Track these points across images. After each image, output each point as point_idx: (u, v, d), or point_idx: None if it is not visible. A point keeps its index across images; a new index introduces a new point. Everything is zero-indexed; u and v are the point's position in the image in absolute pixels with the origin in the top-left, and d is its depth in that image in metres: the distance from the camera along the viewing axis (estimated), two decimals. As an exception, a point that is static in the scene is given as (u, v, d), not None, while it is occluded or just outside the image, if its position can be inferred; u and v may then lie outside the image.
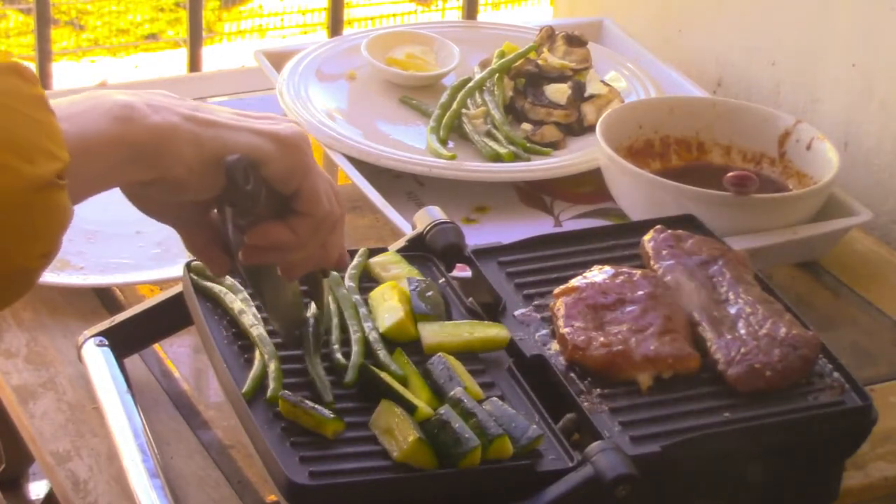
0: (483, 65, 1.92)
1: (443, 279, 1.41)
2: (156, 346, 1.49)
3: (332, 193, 1.16)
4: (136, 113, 1.06)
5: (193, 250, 1.19)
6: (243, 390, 1.22)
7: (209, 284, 1.34)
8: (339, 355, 1.28)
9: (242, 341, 1.29)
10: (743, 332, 1.33)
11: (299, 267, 1.19)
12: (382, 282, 1.37)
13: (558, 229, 1.72)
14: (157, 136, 1.06)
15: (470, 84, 1.88)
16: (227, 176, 1.09)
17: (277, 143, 1.12)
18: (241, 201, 1.12)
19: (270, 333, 1.29)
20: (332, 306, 1.33)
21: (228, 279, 1.34)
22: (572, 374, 1.30)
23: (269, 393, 1.22)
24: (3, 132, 0.95)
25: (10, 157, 0.94)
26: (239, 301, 1.32)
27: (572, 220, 1.76)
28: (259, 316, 1.30)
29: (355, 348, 1.28)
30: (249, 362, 1.27)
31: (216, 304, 1.33)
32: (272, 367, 1.24)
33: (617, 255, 1.45)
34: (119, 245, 1.65)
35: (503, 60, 1.91)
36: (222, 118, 1.11)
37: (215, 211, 1.18)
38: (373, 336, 1.30)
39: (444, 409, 1.20)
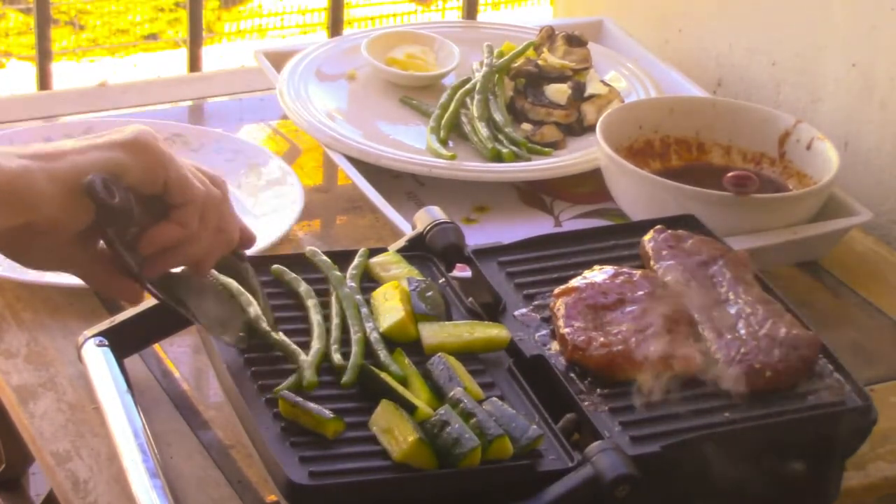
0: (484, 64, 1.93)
1: (443, 279, 1.41)
2: (156, 346, 1.49)
3: (202, 177, 1.17)
4: None
5: (99, 288, 1.20)
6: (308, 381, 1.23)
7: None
8: (338, 355, 1.28)
9: (242, 341, 1.29)
10: (743, 332, 1.33)
11: (206, 260, 1.18)
12: (383, 282, 1.37)
13: (558, 229, 1.72)
14: (12, 179, 1.07)
15: (468, 84, 1.88)
16: (90, 197, 1.09)
17: (125, 149, 1.12)
18: (117, 217, 1.12)
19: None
20: (335, 307, 1.33)
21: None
22: (572, 374, 1.30)
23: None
24: None
25: None
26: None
27: (572, 220, 1.76)
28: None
29: (355, 349, 1.28)
30: (250, 362, 1.27)
31: None
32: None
33: (617, 255, 1.45)
34: (119, 245, 1.65)
35: (502, 60, 1.91)
36: (67, 147, 1.12)
37: (102, 243, 1.17)
38: (374, 336, 1.30)
39: (444, 409, 1.20)
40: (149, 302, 1.44)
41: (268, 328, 1.28)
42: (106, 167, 1.11)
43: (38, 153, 1.10)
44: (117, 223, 1.13)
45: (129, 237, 1.14)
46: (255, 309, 1.28)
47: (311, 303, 1.33)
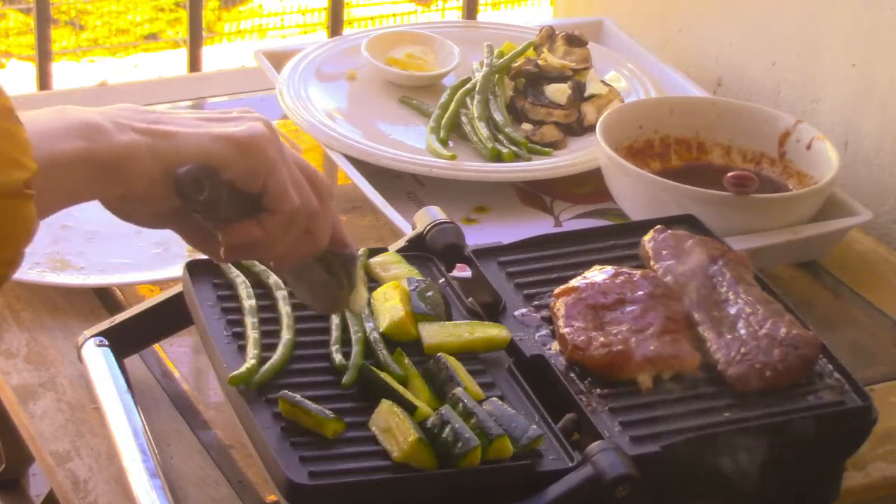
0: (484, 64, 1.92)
1: (443, 279, 1.41)
2: (156, 346, 1.49)
3: (304, 186, 1.15)
4: (101, 132, 1.07)
5: (192, 244, 1.19)
6: (230, 375, 1.23)
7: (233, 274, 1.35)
8: (339, 356, 1.28)
9: (242, 341, 1.29)
10: (743, 332, 1.32)
11: (285, 259, 1.18)
12: (383, 282, 1.37)
13: (558, 229, 1.72)
14: (119, 154, 1.07)
15: (469, 84, 1.88)
16: (176, 189, 1.10)
17: (235, 146, 1.11)
18: (201, 209, 1.12)
19: (265, 334, 1.29)
20: None
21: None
22: (572, 374, 1.30)
23: (257, 377, 1.23)
24: None
25: None
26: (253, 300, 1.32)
27: (572, 220, 1.76)
28: (257, 325, 1.30)
29: (355, 349, 1.28)
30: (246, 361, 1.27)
31: (219, 299, 1.33)
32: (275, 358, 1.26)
33: (617, 255, 1.45)
34: (119, 245, 1.65)
35: (502, 60, 1.91)
36: (182, 127, 1.11)
37: None
38: (374, 336, 1.30)
39: (444, 409, 1.20)
40: (149, 302, 1.45)
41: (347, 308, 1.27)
42: (208, 159, 1.11)
43: (151, 130, 1.09)
44: (201, 213, 1.14)
45: (213, 225, 1.15)
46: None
47: (280, 294, 1.33)
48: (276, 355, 1.26)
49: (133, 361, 1.44)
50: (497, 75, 1.89)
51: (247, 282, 1.34)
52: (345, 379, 1.25)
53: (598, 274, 1.39)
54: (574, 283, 1.37)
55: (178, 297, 1.39)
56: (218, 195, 1.12)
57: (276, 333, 1.29)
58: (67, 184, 1.06)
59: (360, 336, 1.29)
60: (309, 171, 1.17)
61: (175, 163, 1.10)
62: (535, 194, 1.80)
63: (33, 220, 1.00)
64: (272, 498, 1.31)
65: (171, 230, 1.18)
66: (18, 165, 0.98)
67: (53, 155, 1.04)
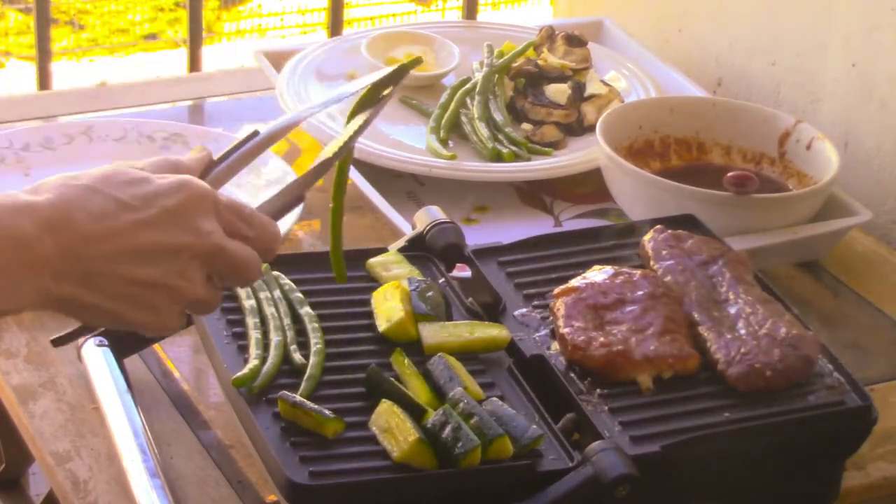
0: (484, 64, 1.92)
1: (443, 279, 1.41)
2: (156, 346, 1.49)
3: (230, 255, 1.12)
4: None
5: None
6: (234, 377, 1.23)
7: None
8: (297, 355, 1.28)
9: (242, 341, 1.29)
10: (743, 332, 1.33)
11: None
12: (383, 282, 1.38)
13: (558, 229, 1.72)
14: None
15: (468, 84, 1.88)
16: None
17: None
18: None
19: (266, 334, 1.29)
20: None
21: None
22: (572, 374, 1.30)
23: (258, 381, 1.22)
24: None
25: None
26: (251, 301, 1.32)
27: (572, 220, 1.76)
28: (258, 325, 1.30)
29: (313, 360, 1.27)
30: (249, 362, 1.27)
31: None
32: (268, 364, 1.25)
33: (617, 255, 1.45)
34: (119, 245, 1.65)
35: (502, 60, 1.90)
36: (105, 301, 1.08)
37: None
38: (290, 336, 1.29)
39: (444, 409, 1.20)
40: (149, 302, 1.44)
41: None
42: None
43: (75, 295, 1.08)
44: None
45: None
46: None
47: (264, 295, 1.34)
48: (270, 359, 1.26)
49: (133, 361, 1.44)
50: (497, 75, 1.89)
51: None
52: (300, 391, 1.24)
53: (598, 274, 1.39)
54: (574, 283, 1.37)
55: (178, 297, 1.39)
56: None
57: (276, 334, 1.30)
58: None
59: (319, 347, 1.28)
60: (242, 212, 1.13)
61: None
62: (535, 194, 1.80)
63: None
64: (272, 498, 1.31)
65: None
66: None
67: None
